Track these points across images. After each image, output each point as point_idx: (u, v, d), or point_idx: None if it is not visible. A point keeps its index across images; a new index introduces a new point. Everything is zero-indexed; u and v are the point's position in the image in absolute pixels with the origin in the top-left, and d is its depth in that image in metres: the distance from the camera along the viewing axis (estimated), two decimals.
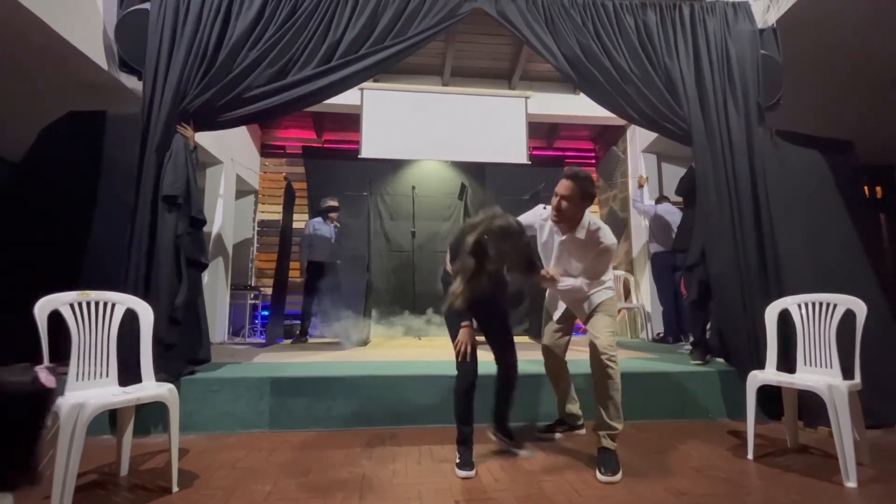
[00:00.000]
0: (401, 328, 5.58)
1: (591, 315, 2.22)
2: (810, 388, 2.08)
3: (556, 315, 2.46)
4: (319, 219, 5.03)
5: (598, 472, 1.96)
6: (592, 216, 2.21)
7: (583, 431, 2.52)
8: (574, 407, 2.54)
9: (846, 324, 2.13)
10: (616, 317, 2.27)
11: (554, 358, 2.48)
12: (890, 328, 2.88)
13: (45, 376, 1.10)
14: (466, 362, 2.09)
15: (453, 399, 2.12)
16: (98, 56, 3.02)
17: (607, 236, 2.17)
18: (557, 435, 2.51)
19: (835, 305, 2.19)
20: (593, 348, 2.13)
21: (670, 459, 2.19)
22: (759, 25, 3.30)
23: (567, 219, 2.15)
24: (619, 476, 1.94)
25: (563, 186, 2.10)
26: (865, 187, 4.43)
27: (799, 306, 2.33)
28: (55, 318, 1.77)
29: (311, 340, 4.92)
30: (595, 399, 2.12)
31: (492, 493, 1.81)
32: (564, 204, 2.10)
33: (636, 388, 2.83)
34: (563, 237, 2.22)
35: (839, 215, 3.12)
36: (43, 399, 1.10)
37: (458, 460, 2.03)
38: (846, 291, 2.20)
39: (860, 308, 2.10)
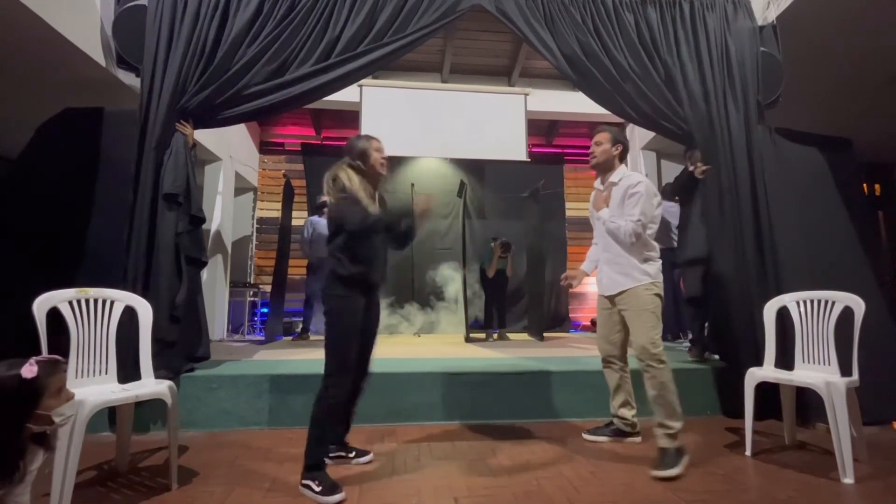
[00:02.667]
0: (399, 325, 5.59)
1: (626, 309, 2.20)
2: (808, 385, 2.09)
3: (602, 299, 2.40)
4: (316, 216, 5.02)
5: (652, 469, 1.95)
6: (636, 173, 2.29)
7: (637, 440, 2.38)
8: (628, 412, 2.40)
9: (844, 321, 2.14)
10: (655, 306, 2.17)
11: (605, 354, 2.41)
12: (887, 325, 2.89)
13: (25, 368, 1.09)
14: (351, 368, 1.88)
15: (321, 413, 1.81)
16: (95, 53, 3.01)
17: (641, 181, 2.19)
18: (603, 439, 2.40)
19: (833, 302, 2.20)
20: (636, 351, 2.15)
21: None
22: (759, 22, 3.30)
23: (601, 164, 2.31)
24: (671, 471, 1.91)
25: (596, 135, 2.34)
26: (864, 185, 4.44)
27: (797, 303, 2.34)
28: (54, 316, 1.77)
29: (312, 337, 4.92)
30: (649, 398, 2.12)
31: (491, 489, 1.81)
32: (597, 149, 2.31)
33: (634, 384, 2.84)
34: (603, 189, 2.32)
35: (838, 213, 3.12)
36: (20, 392, 1.08)
37: (320, 486, 1.71)
38: (844, 288, 2.21)
39: (858, 305, 2.11)
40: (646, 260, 2.21)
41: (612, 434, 2.41)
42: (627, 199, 2.19)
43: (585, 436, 2.43)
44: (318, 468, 1.79)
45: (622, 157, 2.33)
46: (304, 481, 1.76)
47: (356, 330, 1.91)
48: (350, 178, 1.95)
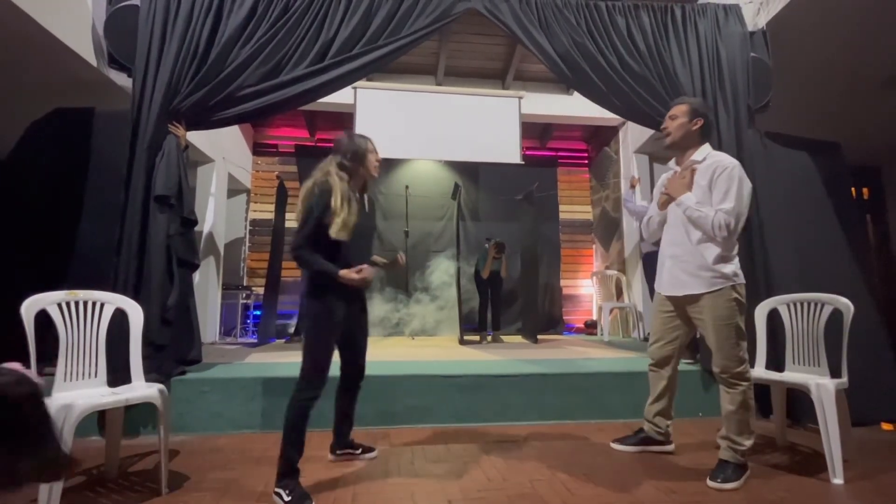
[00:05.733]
0: (393, 328, 5.57)
1: (700, 318, 1.97)
2: (798, 387, 2.11)
3: (659, 298, 2.12)
4: None
5: (708, 478, 1.86)
6: (725, 155, 1.97)
7: (670, 448, 2.22)
8: (663, 421, 2.22)
9: (833, 323, 2.17)
10: (734, 318, 1.88)
11: (658, 357, 2.19)
12: (876, 327, 2.93)
13: (31, 374, 1.07)
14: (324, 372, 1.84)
15: (294, 419, 1.77)
16: (87, 52, 2.98)
17: (734, 164, 1.88)
18: (632, 448, 2.24)
19: (822, 305, 2.22)
20: (716, 367, 1.96)
21: (661, 458, 2.20)
22: (750, 28, 3.34)
23: (677, 141, 2.01)
24: (730, 485, 1.81)
25: (672, 108, 2.04)
26: (853, 188, 4.49)
27: (787, 306, 2.36)
28: (42, 318, 1.75)
29: None
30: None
31: (485, 492, 1.81)
32: (672, 123, 2.01)
33: (627, 387, 2.86)
34: (681, 171, 2.00)
35: (827, 215, 3.16)
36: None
37: (290, 497, 1.66)
38: (833, 291, 2.24)
39: (847, 307, 2.13)
40: (722, 260, 1.91)
41: (642, 442, 2.24)
42: (716, 184, 1.88)
43: (613, 445, 2.29)
44: (290, 476, 1.73)
45: (705, 134, 2.01)
46: (277, 489, 1.71)
47: (333, 335, 1.87)
48: (337, 191, 1.81)
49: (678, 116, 2.01)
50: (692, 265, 1.96)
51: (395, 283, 5.70)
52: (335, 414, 2.15)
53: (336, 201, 1.78)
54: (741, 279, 1.95)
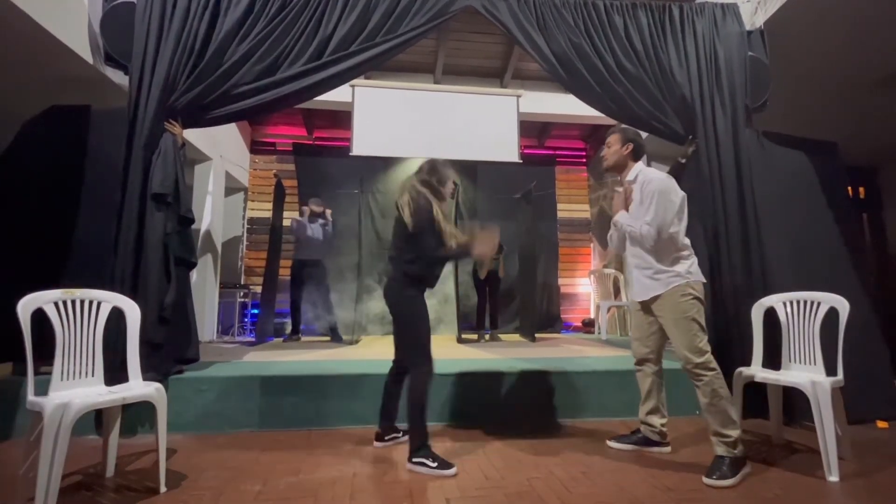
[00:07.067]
0: (391, 327, 5.56)
1: (661, 316, 2.12)
2: (794, 385, 2.12)
3: (633, 300, 2.29)
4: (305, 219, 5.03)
5: (704, 476, 1.90)
6: (653, 170, 2.22)
7: (666, 450, 2.26)
8: (657, 420, 2.28)
9: (829, 321, 2.18)
10: (690, 311, 2.03)
11: (639, 356, 2.32)
12: (871, 326, 2.95)
13: None
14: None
15: (420, 398, 2.04)
16: (83, 50, 2.96)
17: (654, 179, 2.10)
18: (627, 447, 2.29)
19: (819, 303, 2.24)
20: (679, 360, 2.08)
21: (658, 456, 2.22)
22: (747, 27, 3.34)
23: (611, 165, 2.29)
24: (725, 482, 1.85)
25: (609, 139, 2.32)
26: (849, 187, 4.51)
27: (784, 304, 2.37)
28: (39, 317, 1.74)
29: (303, 339, 4.90)
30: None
31: (482, 490, 1.82)
32: (608, 151, 2.30)
33: (625, 385, 2.86)
34: (621, 191, 2.27)
35: (823, 215, 3.17)
36: None
37: (436, 462, 1.96)
38: (829, 289, 2.25)
39: (843, 306, 2.15)
40: (676, 260, 2.09)
41: (638, 443, 2.29)
42: (643, 199, 2.11)
43: (609, 443, 2.34)
44: (427, 447, 2.00)
45: (636, 155, 2.26)
46: (417, 459, 1.98)
47: (428, 323, 2.19)
48: (430, 201, 2.18)
49: (612, 144, 2.29)
50: (650, 270, 2.15)
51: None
52: (385, 401, 2.34)
53: (438, 216, 2.16)
54: (696, 276, 2.12)
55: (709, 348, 2.04)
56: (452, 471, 1.94)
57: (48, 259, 2.64)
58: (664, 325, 2.14)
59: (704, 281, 2.16)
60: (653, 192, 2.08)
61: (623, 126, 2.37)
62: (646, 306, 2.22)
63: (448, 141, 5.34)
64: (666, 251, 2.10)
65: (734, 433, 1.94)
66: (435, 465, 1.95)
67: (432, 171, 2.24)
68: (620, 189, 2.29)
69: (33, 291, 1.76)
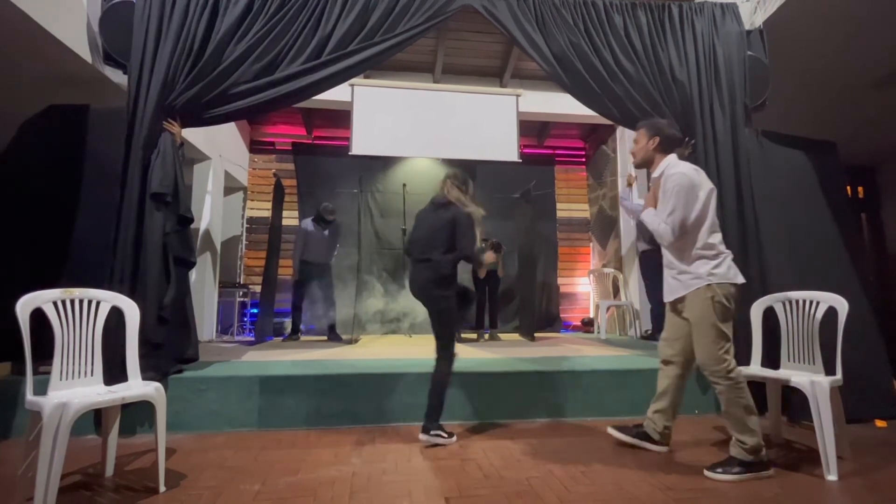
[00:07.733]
0: (390, 326, 5.57)
1: (688, 318, 2.06)
2: (793, 384, 2.12)
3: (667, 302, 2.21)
4: (310, 220, 5.01)
5: (706, 468, 1.93)
6: (680, 164, 2.10)
7: (663, 450, 2.23)
8: (661, 420, 2.23)
9: (828, 321, 2.18)
10: (710, 316, 1.93)
11: (663, 356, 2.25)
12: (870, 325, 2.95)
13: None
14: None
15: (447, 380, 2.36)
16: (82, 49, 2.95)
17: (674, 174, 1.99)
18: (626, 438, 2.27)
19: (817, 303, 2.24)
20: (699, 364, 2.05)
21: (657, 455, 2.22)
22: (747, 27, 3.35)
23: (639, 162, 2.24)
24: (725, 476, 1.87)
25: (636, 135, 2.26)
26: (848, 187, 4.52)
27: (783, 303, 2.38)
28: (38, 316, 1.74)
29: (302, 338, 4.89)
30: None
31: (481, 489, 1.82)
32: (635, 147, 2.25)
33: (624, 384, 2.87)
34: (650, 187, 2.22)
35: (822, 214, 3.18)
36: None
37: (446, 435, 2.32)
38: (828, 289, 2.25)
39: (842, 305, 2.15)
40: (698, 259, 1.99)
41: (638, 436, 2.26)
42: (663, 195, 2.03)
43: (610, 430, 2.33)
44: (439, 422, 2.33)
45: (664, 149, 2.14)
46: (434, 433, 2.30)
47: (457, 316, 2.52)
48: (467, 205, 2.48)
49: (639, 139, 2.22)
50: (674, 270, 2.11)
51: (392, 287, 5.70)
52: None
53: (472, 209, 2.48)
54: (721, 279, 1.97)
55: (729, 357, 1.96)
56: (454, 440, 2.35)
57: (47, 258, 2.63)
58: (692, 326, 2.05)
59: (737, 283, 2.01)
60: (671, 188, 1.99)
61: (647, 120, 2.28)
62: (674, 307, 2.17)
63: (447, 140, 5.34)
64: (687, 250, 2.02)
65: (750, 441, 1.91)
66: (447, 436, 2.33)
67: (465, 181, 2.54)
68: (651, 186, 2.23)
69: (32, 291, 1.76)
